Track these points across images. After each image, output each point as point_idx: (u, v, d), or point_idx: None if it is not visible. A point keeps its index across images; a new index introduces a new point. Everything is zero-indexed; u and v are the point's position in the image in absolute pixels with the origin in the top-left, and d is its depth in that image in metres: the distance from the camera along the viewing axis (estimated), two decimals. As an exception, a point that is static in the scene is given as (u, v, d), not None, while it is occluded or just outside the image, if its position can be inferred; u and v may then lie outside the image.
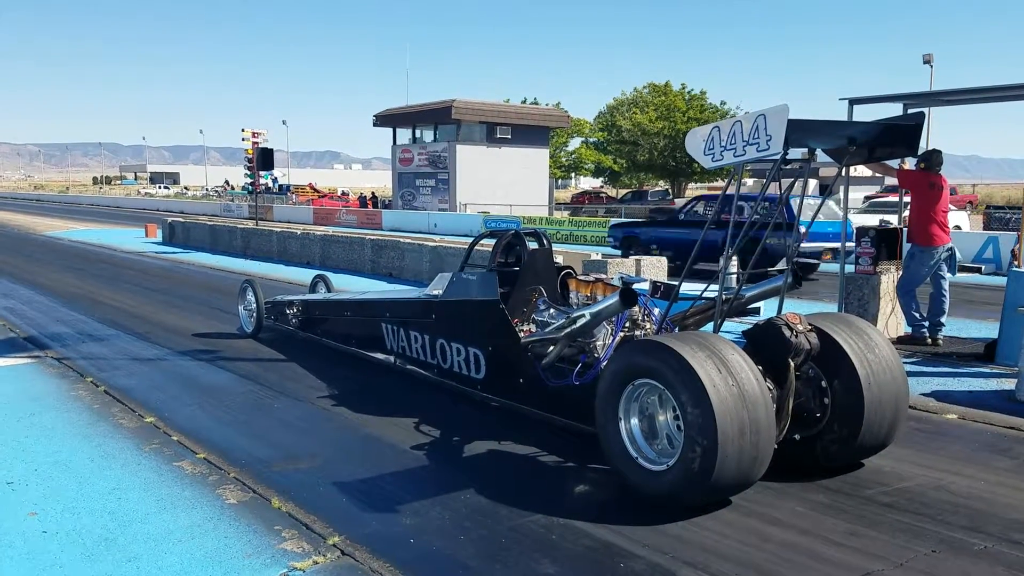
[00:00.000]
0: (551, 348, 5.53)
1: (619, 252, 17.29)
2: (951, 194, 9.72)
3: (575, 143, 60.74)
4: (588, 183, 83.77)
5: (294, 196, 60.17)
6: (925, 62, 35.43)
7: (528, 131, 40.21)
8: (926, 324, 8.58)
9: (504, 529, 4.20)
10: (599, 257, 12.79)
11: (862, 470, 4.98)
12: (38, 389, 7.07)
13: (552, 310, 6.14)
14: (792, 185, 5.64)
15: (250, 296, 9.62)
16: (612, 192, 60.18)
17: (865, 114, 8.70)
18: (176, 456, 5.31)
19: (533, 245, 6.82)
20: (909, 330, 8.77)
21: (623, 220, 24.35)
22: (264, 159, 27.04)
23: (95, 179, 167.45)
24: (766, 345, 4.63)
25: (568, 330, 5.32)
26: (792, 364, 4.51)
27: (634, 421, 4.58)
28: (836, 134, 5.23)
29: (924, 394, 6.80)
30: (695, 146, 5.06)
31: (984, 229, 23.68)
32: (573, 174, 66.78)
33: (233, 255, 20.84)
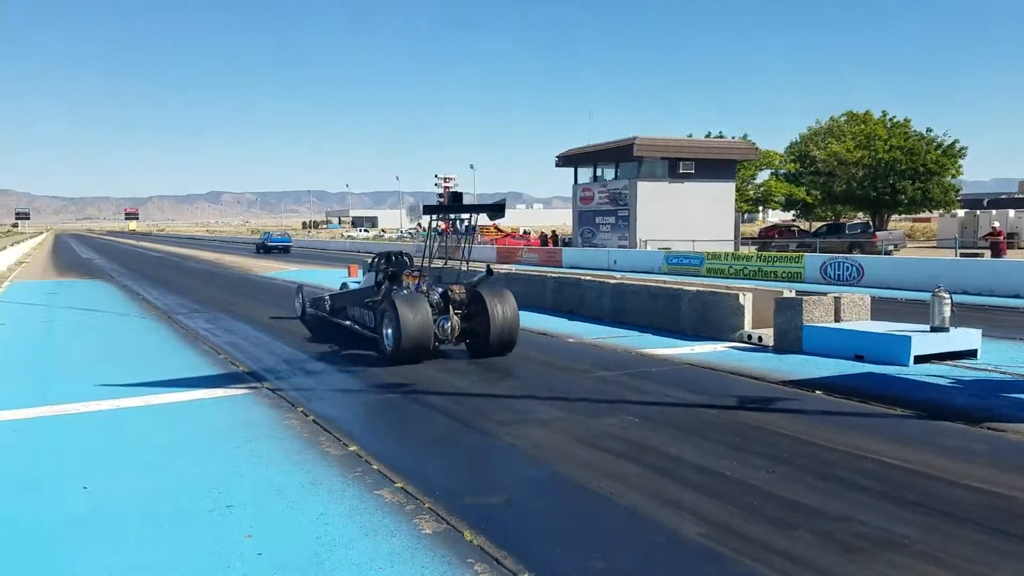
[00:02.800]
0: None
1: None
2: None
3: (764, 175, 58.68)
4: (777, 216, 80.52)
5: (479, 235, 62.32)
6: None
7: (713, 165, 39.37)
8: None
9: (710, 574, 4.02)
10: (792, 294, 12.19)
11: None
12: (254, 418, 7.67)
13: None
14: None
15: (300, 295, 15.38)
16: (805, 225, 57.41)
17: None
18: (376, 484, 5.56)
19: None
20: None
21: None
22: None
23: (304, 224, 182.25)
24: (446, 298, 10.61)
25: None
26: (451, 307, 10.58)
27: (388, 329, 10.26)
28: None
29: None
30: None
31: None
32: (761, 207, 64.42)
33: (424, 293, 21.80)
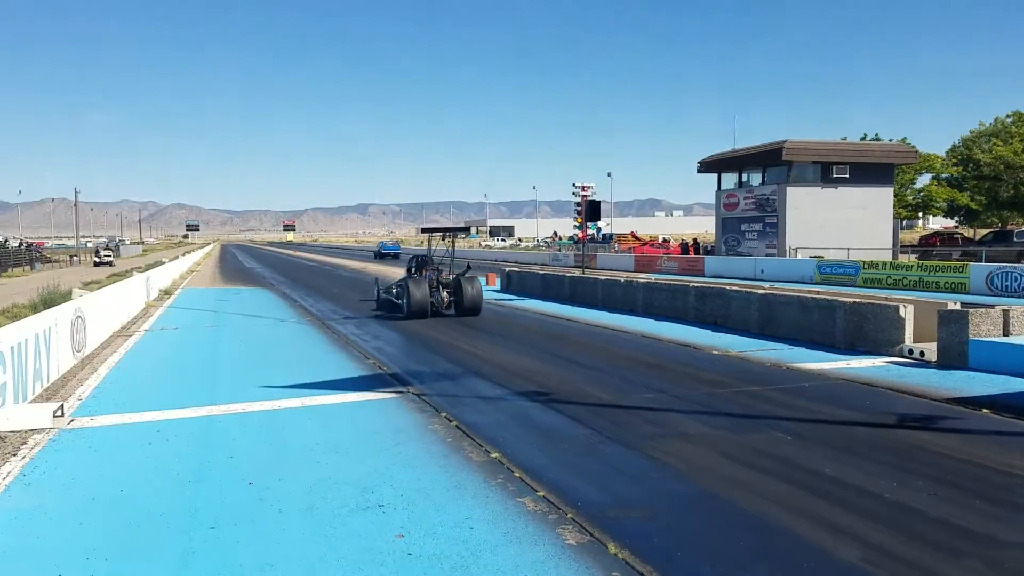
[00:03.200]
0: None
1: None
2: None
3: (924, 180, 55.14)
4: (939, 223, 75.42)
5: (616, 244, 61.98)
6: None
7: (869, 169, 37.35)
8: None
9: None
10: (957, 306, 11.36)
11: None
12: (402, 421, 7.94)
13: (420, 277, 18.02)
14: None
15: (376, 284, 20.85)
16: (969, 232, 53.44)
17: None
18: (519, 492, 5.62)
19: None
20: None
21: None
22: (592, 211, 28.23)
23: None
24: (438, 282, 17.82)
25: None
26: (441, 285, 17.82)
27: (404, 299, 17.32)
28: None
29: None
30: None
31: None
32: (921, 213, 60.54)
33: (560, 302, 21.90)
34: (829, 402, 8.64)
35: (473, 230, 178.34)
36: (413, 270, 18.87)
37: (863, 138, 51.54)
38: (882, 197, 37.81)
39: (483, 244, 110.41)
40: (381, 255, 64.97)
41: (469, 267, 19.18)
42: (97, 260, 61.77)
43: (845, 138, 47.82)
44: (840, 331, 12.50)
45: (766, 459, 6.43)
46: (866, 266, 27.81)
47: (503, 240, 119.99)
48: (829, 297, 13.34)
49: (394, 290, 18.87)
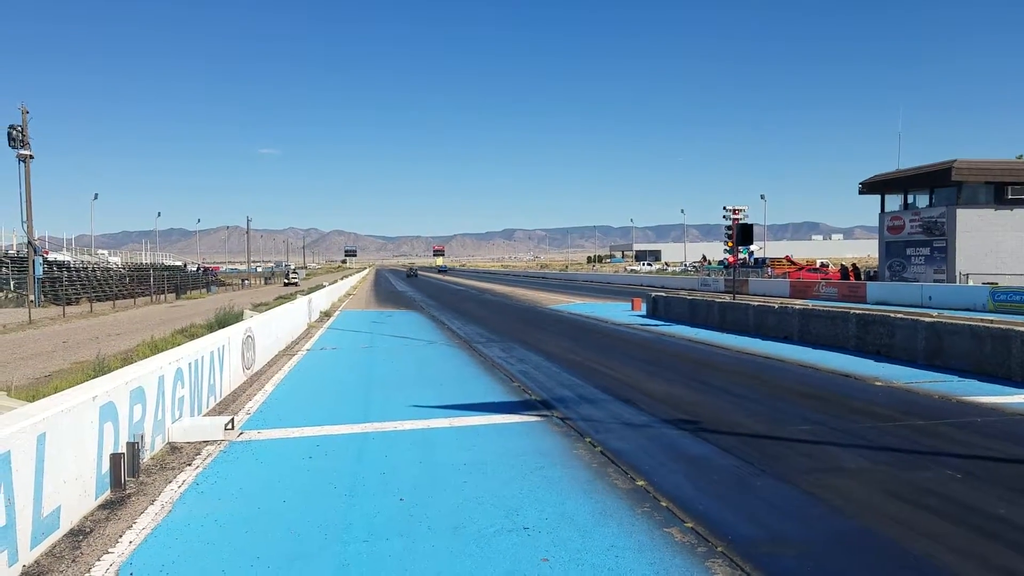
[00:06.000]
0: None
1: None
2: None
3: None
4: None
5: (770, 269, 59.78)
6: None
7: (1050, 188, 34.29)
8: None
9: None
10: None
11: None
12: (546, 445, 7.96)
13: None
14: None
15: (408, 273, 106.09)
16: None
17: None
18: (665, 522, 5.49)
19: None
20: None
21: None
22: (743, 235, 27.42)
23: (589, 258, 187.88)
24: (411, 270, 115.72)
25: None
26: (413, 271, 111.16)
27: (407, 274, 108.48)
28: None
29: None
30: None
31: None
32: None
33: (709, 328, 21.32)
34: (1004, 439, 7.93)
35: (619, 254, 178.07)
36: (407, 266, 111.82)
37: (1045, 154, 47.29)
38: (1067, 218, 34.59)
39: (628, 268, 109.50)
40: (440, 271, 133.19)
41: (416, 269, 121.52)
42: (287, 281, 78.76)
43: (1021, 156, 44.10)
44: (1017, 363, 11.47)
45: (932, 498, 5.97)
46: (1051, 293, 25.40)
47: (649, 264, 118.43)
48: (1004, 326, 12.28)
49: (405, 271, 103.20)
